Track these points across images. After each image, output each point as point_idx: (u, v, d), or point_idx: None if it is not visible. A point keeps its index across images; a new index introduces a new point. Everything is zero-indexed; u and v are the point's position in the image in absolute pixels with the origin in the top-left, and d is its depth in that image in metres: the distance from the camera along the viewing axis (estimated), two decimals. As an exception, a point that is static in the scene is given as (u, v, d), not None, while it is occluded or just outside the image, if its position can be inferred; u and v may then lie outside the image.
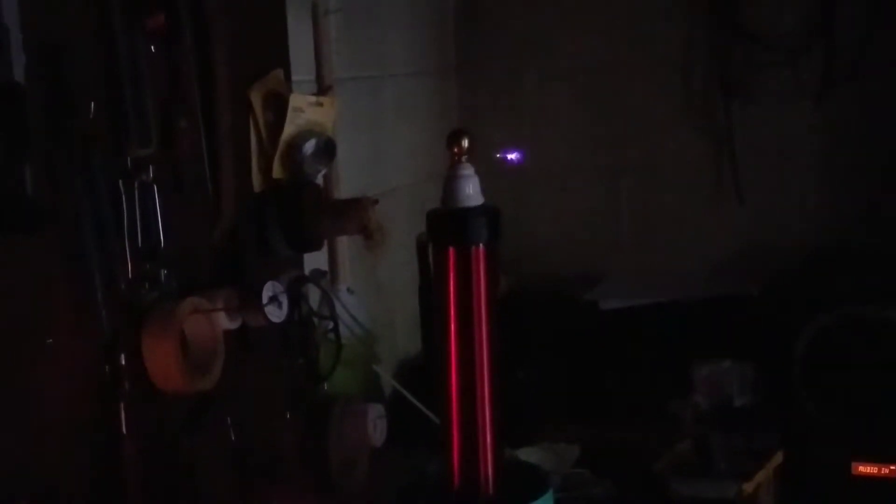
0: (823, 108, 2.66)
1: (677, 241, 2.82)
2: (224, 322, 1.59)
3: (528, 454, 2.08)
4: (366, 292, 2.27)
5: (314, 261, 1.94)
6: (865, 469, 2.26)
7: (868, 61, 2.60)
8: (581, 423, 2.33)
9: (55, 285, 1.34)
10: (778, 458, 2.19)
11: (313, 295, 1.86)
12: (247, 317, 1.62)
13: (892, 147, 2.62)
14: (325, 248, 2.03)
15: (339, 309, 1.90)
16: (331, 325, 1.86)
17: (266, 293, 1.61)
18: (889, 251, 2.50)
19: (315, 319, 1.83)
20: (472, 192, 1.34)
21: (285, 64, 1.85)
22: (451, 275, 1.35)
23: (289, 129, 1.79)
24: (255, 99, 1.74)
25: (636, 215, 2.87)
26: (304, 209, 1.77)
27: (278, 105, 1.78)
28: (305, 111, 1.82)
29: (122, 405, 1.41)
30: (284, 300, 1.65)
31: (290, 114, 1.79)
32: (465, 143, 1.34)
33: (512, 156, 1.43)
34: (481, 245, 1.34)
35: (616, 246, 2.88)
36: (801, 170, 2.72)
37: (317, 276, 1.85)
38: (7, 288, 1.26)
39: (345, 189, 2.12)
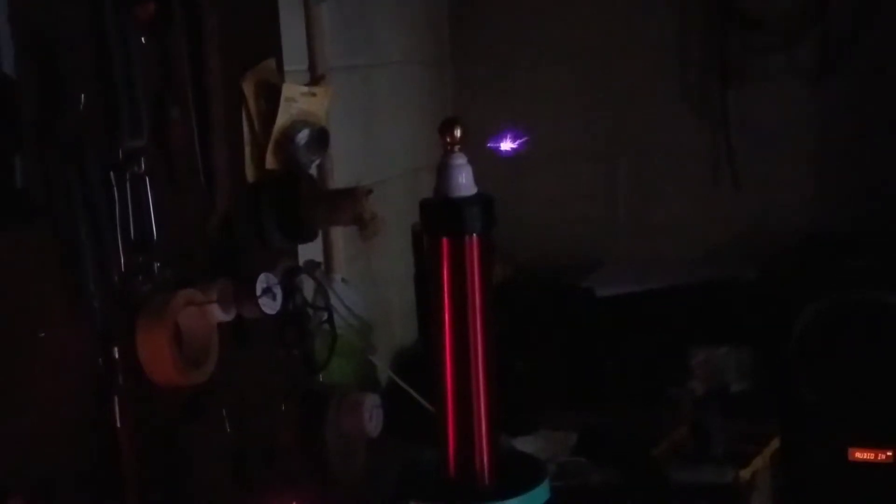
0: (820, 91, 2.66)
1: (674, 227, 2.82)
2: (218, 314, 1.58)
3: (525, 442, 2.07)
4: (361, 282, 2.27)
5: (308, 251, 1.93)
6: (862, 455, 2.26)
7: (864, 45, 2.59)
8: (578, 411, 2.33)
9: (48, 278, 1.33)
10: (775, 443, 2.19)
11: (308, 286, 1.85)
12: (241, 309, 1.61)
13: (889, 130, 2.61)
14: (319, 239, 2.02)
15: (333, 299, 1.90)
16: (326, 315, 1.86)
17: (260, 285, 1.61)
18: (885, 235, 2.50)
19: (310, 310, 1.83)
20: (465, 181, 1.33)
21: (277, 53, 1.84)
22: (446, 264, 1.34)
23: (282, 119, 1.78)
24: (248, 89, 1.73)
25: (632, 201, 2.87)
26: (298, 200, 1.76)
27: (271, 95, 1.77)
28: (298, 101, 1.81)
29: (116, 398, 1.40)
30: (279, 291, 1.64)
31: (282, 104, 1.78)
32: (458, 131, 1.33)
33: (506, 146, 1.42)
34: (475, 235, 1.33)
35: (612, 232, 2.88)
36: (798, 153, 2.72)
37: (311, 266, 1.85)
38: (-1, 282, 1.26)
39: (339, 179, 2.11)
